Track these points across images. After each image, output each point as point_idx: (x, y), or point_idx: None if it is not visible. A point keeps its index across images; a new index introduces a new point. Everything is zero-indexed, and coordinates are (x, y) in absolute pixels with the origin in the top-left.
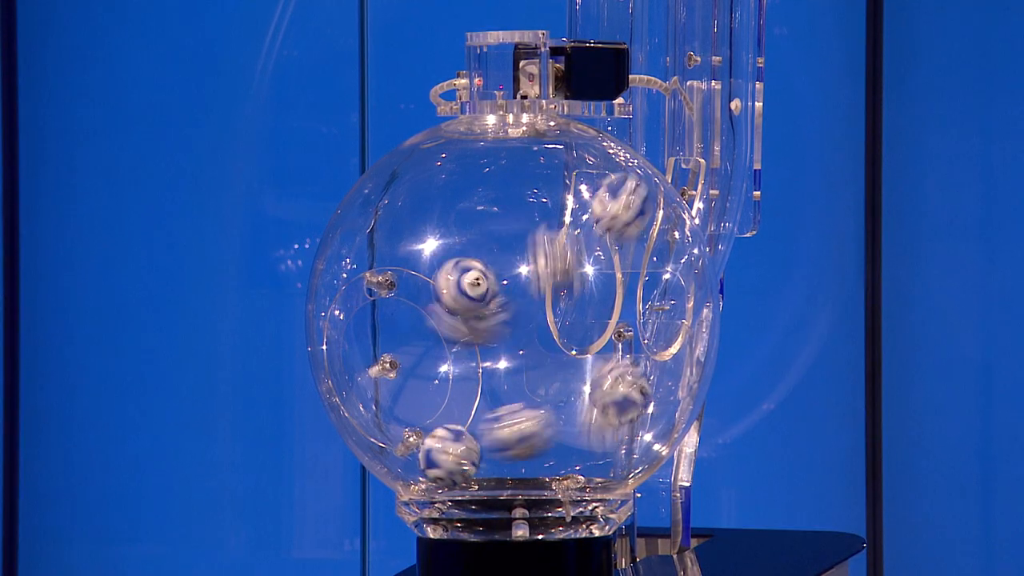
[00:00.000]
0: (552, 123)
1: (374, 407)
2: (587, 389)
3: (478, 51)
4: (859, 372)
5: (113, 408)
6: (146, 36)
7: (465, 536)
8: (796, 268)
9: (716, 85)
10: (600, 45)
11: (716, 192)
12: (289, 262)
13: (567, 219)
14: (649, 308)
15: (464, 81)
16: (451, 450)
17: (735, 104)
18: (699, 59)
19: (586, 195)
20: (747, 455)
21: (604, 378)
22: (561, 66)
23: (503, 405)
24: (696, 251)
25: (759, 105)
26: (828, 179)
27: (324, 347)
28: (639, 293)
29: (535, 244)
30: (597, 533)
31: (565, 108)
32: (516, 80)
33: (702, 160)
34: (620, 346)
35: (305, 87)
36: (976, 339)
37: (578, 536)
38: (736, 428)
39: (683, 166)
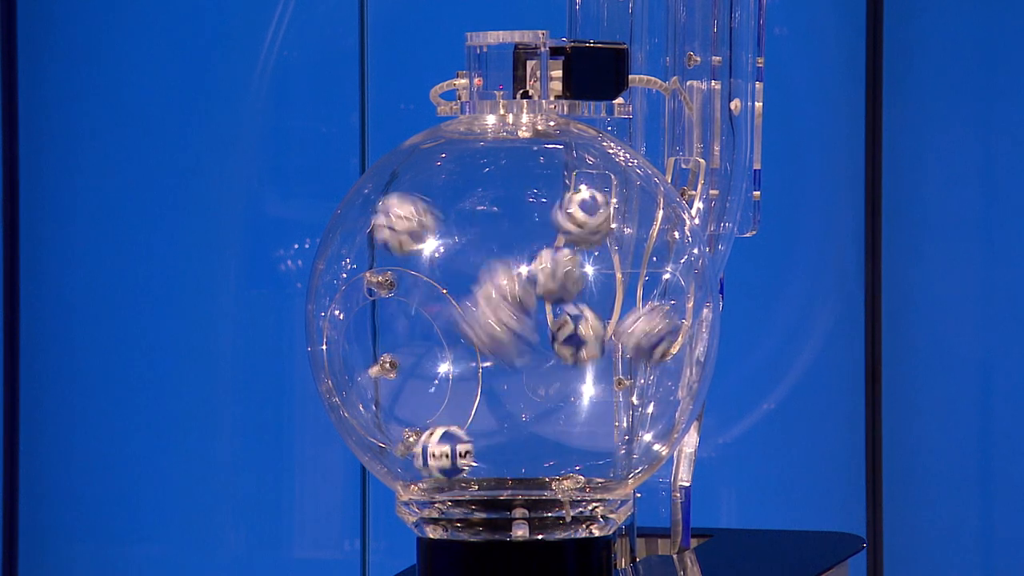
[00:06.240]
0: (552, 123)
1: (374, 407)
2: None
3: (478, 51)
4: (859, 372)
5: (113, 408)
6: (146, 36)
7: (465, 536)
8: (796, 268)
9: (716, 85)
10: (600, 45)
11: (716, 192)
12: (289, 262)
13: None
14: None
15: (464, 81)
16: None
17: (735, 104)
18: (699, 59)
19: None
20: (747, 455)
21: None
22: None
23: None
24: (696, 251)
25: (759, 105)
26: (828, 179)
27: (324, 347)
28: (639, 293)
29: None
30: (597, 533)
31: (565, 108)
32: (516, 80)
33: (702, 160)
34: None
35: (305, 87)
36: (976, 339)
37: (578, 536)
38: (736, 428)
39: (683, 166)
